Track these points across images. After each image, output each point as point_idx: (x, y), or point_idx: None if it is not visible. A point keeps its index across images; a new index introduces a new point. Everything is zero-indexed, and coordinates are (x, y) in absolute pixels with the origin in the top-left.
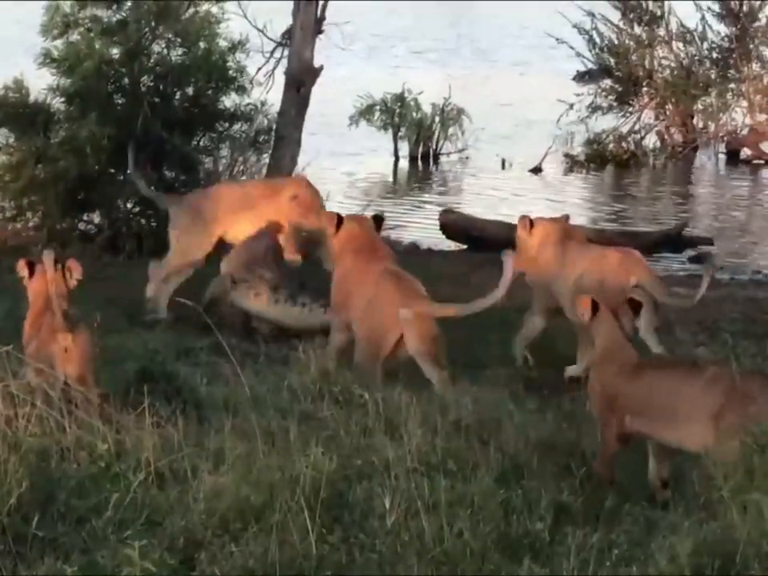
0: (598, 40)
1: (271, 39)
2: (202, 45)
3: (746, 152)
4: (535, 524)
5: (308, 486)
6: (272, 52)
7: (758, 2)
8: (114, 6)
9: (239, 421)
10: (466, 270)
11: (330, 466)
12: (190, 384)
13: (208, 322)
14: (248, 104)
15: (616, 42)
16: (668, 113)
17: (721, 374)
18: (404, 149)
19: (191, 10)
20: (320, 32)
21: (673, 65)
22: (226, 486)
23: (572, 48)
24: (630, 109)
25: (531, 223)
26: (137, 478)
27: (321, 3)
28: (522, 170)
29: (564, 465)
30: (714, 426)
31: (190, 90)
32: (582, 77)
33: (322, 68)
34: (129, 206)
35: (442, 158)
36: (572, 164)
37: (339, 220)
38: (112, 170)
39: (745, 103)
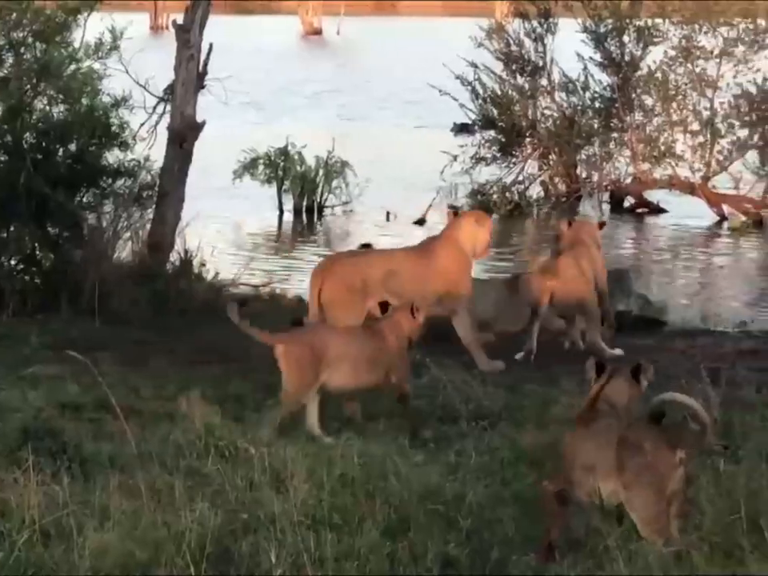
0: (480, 91)
1: (153, 95)
2: (84, 101)
3: (629, 201)
4: (421, 575)
5: (194, 541)
6: (154, 107)
7: (640, 52)
8: None
9: (125, 477)
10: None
11: (215, 520)
12: (75, 441)
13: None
14: (131, 160)
15: (499, 93)
16: (551, 163)
17: (611, 426)
18: (288, 202)
19: (73, 67)
20: (202, 87)
21: (556, 115)
22: (111, 543)
23: (455, 99)
24: (514, 159)
25: None
26: (21, 536)
27: (202, 59)
28: (406, 221)
29: (450, 517)
30: (618, 480)
31: (72, 147)
32: (460, 129)
33: (204, 123)
34: (12, 262)
35: (327, 211)
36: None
37: None
38: None
39: (628, 152)
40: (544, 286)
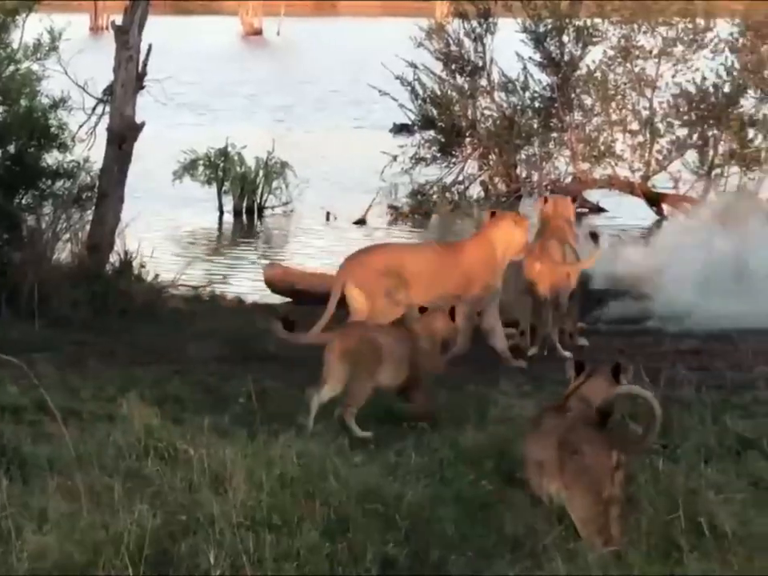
0: (420, 91)
1: (92, 96)
2: (23, 102)
3: None
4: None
5: (132, 542)
6: (93, 109)
7: (579, 51)
8: None
9: (64, 480)
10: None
11: (154, 522)
12: (13, 443)
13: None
14: (70, 161)
15: (438, 93)
16: (491, 163)
17: (555, 426)
18: (228, 203)
19: (11, 68)
20: (141, 88)
21: (495, 115)
22: (49, 545)
23: (395, 100)
24: (454, 159)
25: None
26: None
27: (142, 59)
28: (346, 222)
29: (389, 517)
30: (560, 480)
31: (11, 148)
32: (399, 130)
33: (143, 124)
34: None
35: (267, 212)
36: (396, 215)
37: None
38: None
39: (567, 152)
40: (534, 271)
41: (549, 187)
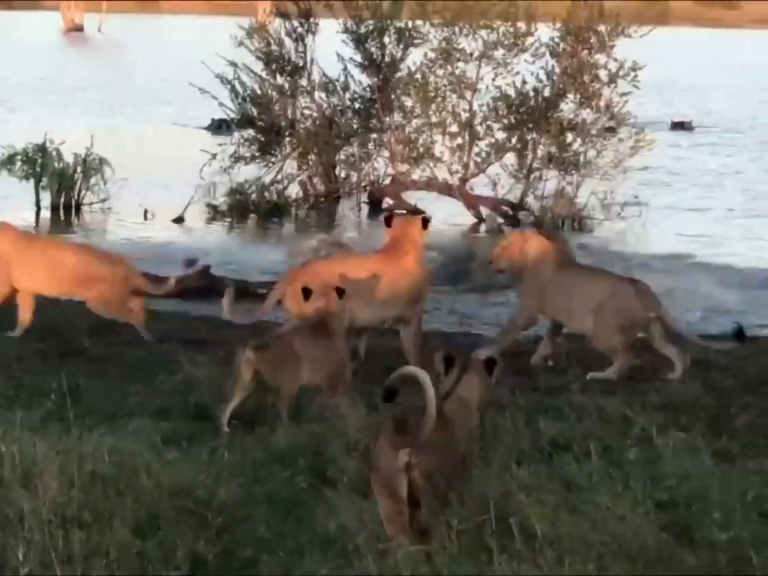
0: (240, 90)
1: None
2: None
3: (387, 202)
4: (171, 574)
5: None
6: None
7: (400, 53)
8: None
9: None
10: (108, 320)
11: None
12: None
13: None
14: None
15: (259, 92)
16: (310, 163)
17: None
18: (46, 199)
19: None
20: None
21: (315, 115)
22: None
23: (215, 98)
24: (273, 159)
25: None
26: None
27: None
28: (164, 219)
29: (201, 515)
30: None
31: None
32: (218, 126)
33: None
34: None
35: (84, 209)
36: (214, 214)
37: None
38: None
39: (387, 153)
40: None
41: (367, 188)
